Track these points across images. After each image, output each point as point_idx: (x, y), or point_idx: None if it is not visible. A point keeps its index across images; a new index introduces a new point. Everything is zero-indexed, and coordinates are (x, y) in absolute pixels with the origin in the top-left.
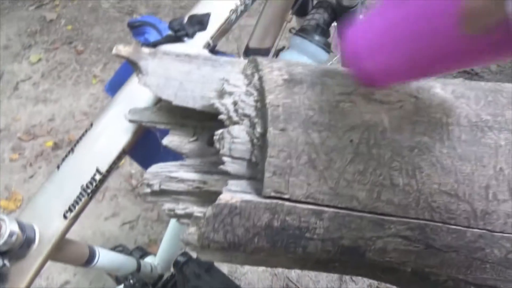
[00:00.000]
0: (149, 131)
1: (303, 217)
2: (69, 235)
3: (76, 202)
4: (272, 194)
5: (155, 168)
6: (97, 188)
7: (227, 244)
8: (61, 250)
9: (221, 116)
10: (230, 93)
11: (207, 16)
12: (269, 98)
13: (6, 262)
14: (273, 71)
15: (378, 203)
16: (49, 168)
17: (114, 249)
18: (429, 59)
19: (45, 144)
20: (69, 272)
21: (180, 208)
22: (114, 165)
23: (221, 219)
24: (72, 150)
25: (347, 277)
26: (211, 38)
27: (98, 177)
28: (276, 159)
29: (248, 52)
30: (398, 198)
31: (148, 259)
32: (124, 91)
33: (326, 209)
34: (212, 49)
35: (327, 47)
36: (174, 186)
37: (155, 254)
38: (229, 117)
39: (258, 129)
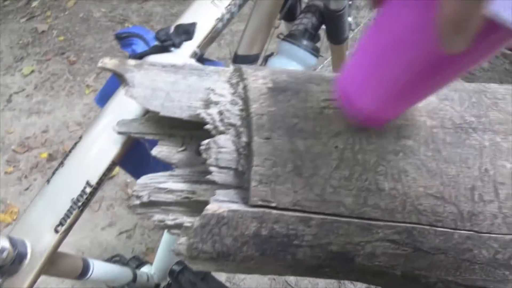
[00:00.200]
0: (138, 141)
1: (291, 225)
2: (66, 247)
3: (67, 215)
4: (259, 203)
5: (144, 179)
6: (87, 200)
7: (216, 254)
8: (54, 264)
9: (207, 126)
10: (216, 103)
11: (193, 25)
12: (254, 107)
13: None
14: (257, 79)
15: (365, 208)
16: (44, 179)
17: (111, 259)
18: (420, 84)
19: (40, 156)
20: (67, 284)
21: (170, 218)
22: (104, 177)
23: (209, 229)
24: (62, 163)
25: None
26: (198, 47)
27: (88, 189)
28: (261, 167)
29: (237, 59)
30: (384, 203)
31: (145, 269)
32: (112, 103)
33: (313, 216)
34: (200, 57)
35: (315, 52)
36: (163, 197)
37: (152, 263)
38: (215, 127)
39: (244, 138)
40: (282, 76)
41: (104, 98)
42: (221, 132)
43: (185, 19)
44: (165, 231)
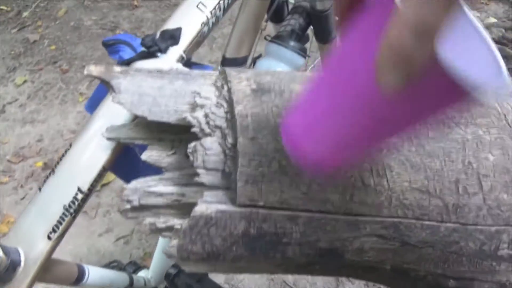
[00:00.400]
0: (129, 147)
1: (279, 223)
2: (63, 255)
3: (59, 222)
4: (247, 202)
5: (134, 183)
6: (80, 207)
7: (206, 254)
8: (48, 271)
9: (194, 129)
10: (202, 106)
11: (178, 30)
12: (238, 108)
13: None
14: (241, 81)
15: (352, 205)
16: None
17: (108, 265)
18: (363, 132)
19: (35, 165)
20: None
21: (161, 221)
22: (95, 183)
23: (198, 230)
24: (53, 171)
25: (343, 278)
26: (184, 51)
27: (80, 196)
28: (247, 168)
29: (225, 62)
30: (370, 198)
31: (142, 273)
32: (101, 109)
33: (300, 213)
34: (187, 62)
35: (303, 52)
36: (153, 200)
37: (149, 268)
38: (202, 130)
39: (229, 140)
40: (266, 78)
41: (93, 105)
42: (207, 135)
43: (170, 25)
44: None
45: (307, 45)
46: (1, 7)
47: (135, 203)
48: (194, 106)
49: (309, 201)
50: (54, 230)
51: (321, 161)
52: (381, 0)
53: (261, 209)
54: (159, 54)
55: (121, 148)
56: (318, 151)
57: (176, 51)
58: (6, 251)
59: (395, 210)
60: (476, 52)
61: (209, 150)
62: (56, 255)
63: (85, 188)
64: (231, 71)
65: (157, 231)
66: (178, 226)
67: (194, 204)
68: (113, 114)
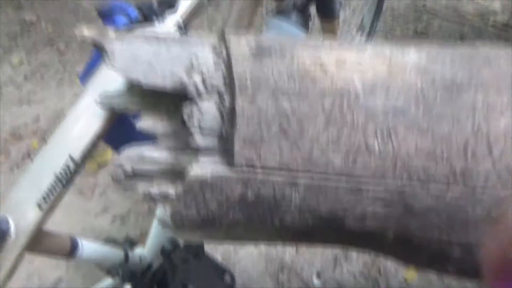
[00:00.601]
0: (124, 116)
1: (278, 188)
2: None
3: (50, 191)
4: (244, 166)
5: (128, 150)
6: (71, 177)
7: (201, 220)
8: (39, 242)
9: (190, 92)
10: (199, 69)
11: None
12: (237, 70)
13: None
14: (241, 44)
15: (354, 168)
16: None
17: (106, 242)
18: None
19: (32, 145)
20: (61, 268)
21: (155, 189)
22: (88, 152)
23: (193, 194)
24: (45, 141)
25: (341, 257)
26: (182, 18)
27: (72, 165)
28: (246, 130)
29: None
30: (374, 162)
31: (138, 250)
32: (95, 78)
33: (301, 177)
34: (184, 31)
35: (305, 27)
36: (147, 167)
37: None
38: (199, 93)
39: (227, 102)
40: (267, 42)
41: (87, 75)
42: (204, 98)
43: None
44: (158, 211)
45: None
46: None
47: (128, 170)
48: (190, 69)
49: (310, 165)
50: (45, 200)
51: None
52: None
53: (259, 171)
54: (156, 22)
55: (115, 117)
56: None
57: (173, 19)
58: None
59: (400, 175)
60: None
61: (205, 113)
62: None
63: (77, 156)
64: (230, 35)
65: (151, 199)
66: (172, 192)
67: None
68: (107, 82)
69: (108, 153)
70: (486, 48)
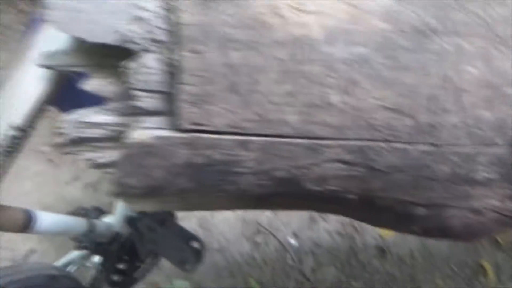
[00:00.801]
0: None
1: (228, 150)
2: (28, 204)
3: None
4: (190, 126)
5: (72, 114)
6: (15, 146)
7: (147, 189)
8: None
9: (132, 46)
10: (141, 18)
11: None
12: (182, 17)
13: None
14: None
15: (312, 126)
16: None
17: (74, 212)
18: None
19: None
20: (34, 240)
21: (102, 156)
22: (33, 119)
23: (135, 161)
24: None
25: (317, 217)
26: None
27: (14, 133)
28: (192, 86)
29: None
30: (333, 119)
31: (106, 219)
32: (38, 35)
33: (254, 138)
34: None
35: None
36: (92, 132)
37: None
38: (141, 45)
39: (172, 55)
40: None
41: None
42: (147, 50)
43: None
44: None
45: None
46: None
47: (72, 135)
48: (133, 20)
49: (264, 123)
50: None
51: None
52: None
53: (207, 134)
54: None
55: (62, 78)
56: None
57: None
58: None
59: (361, 131)
60: None
61: (148, 68)
62: (22, 205)
63: (19, 123)
64: None
65: (98, 167)
66: (115, 160)
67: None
68: (52, 39)
69: None
70: None
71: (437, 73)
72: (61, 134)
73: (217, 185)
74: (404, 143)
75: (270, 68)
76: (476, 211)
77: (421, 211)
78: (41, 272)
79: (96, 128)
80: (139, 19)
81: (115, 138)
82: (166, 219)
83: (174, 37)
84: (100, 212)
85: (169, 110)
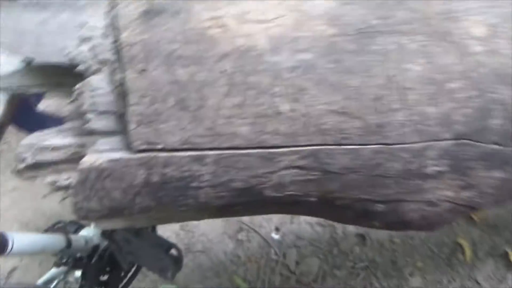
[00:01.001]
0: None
1: (184, 166)
2: (8, 221)
3: None
4: (143, 147)
5: (29, 139)
6: None
7: (107, 210)
8: None
9: (80, 67)
10: (88, 38)
11: None
12: (124, 36)
13: None
14: (130, 4)
15: (264, 136)
16: None
17: (52, 227)
18: None
19: None
20: (16, 258)
21: (63, 178)
22: None
23: (91, 185)
24: None
25: None
26: None
27: None
28: (139, 106)
29: None
30: (284, 127)
31: (83, 232)
32: None
33: (207, 152)
34: None
35: None
36: (50, 155)
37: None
38: (89, 66)
39: (119, 75)
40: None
41: None
42: (95, 71)
43: None
44: None
45: None
46: None
47: (29, 160)
48: (80, 40)
49: (215, 137)
50: None
51: None
52: None
53: (161, 152)
54: None
55: (19, 100)
56: None
57: None
58: None
59: (313, 137)
60: None
61: (97, 89)
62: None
63: None
64: None
65: (60, 190)
66: (71, 184)
67: None
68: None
69: None
70: None
71: (381, 73)
72: (20, 159)
73: (176, 201)
74: (355, 144)
75: (217, 82)
76: (431, 203)
77: (379, 207)
78: None
79: (54, 151)
80: (87, 39)
81: (73, 160)
82: (140, 229)
83: (119, 56)
84: (78, 225)
85: (122, 130)
